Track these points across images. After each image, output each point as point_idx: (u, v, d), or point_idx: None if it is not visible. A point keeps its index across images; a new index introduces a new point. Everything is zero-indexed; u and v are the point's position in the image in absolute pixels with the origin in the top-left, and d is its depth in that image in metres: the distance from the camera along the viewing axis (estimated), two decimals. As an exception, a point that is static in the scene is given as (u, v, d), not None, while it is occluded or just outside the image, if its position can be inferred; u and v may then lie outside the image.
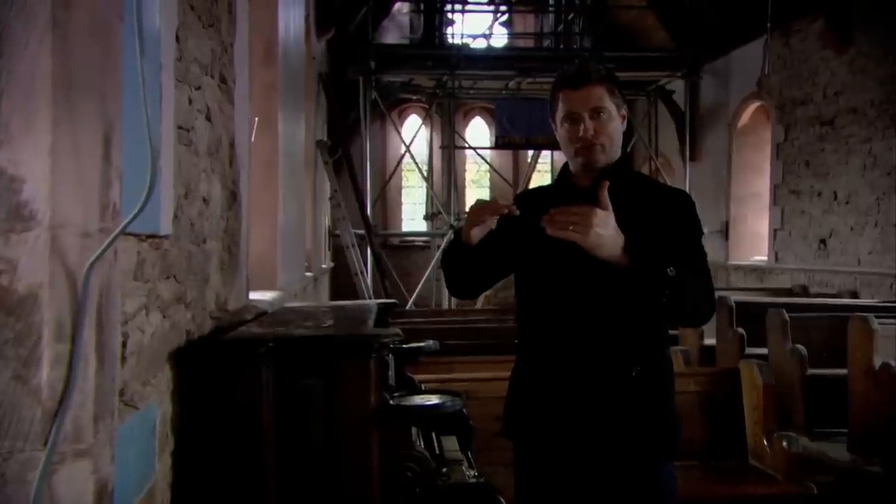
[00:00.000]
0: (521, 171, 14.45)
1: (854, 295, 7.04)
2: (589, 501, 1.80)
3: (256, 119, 3.60)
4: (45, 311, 1.05)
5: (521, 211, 1.83)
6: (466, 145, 13.40)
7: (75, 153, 1.10)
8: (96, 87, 1.15)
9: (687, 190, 11.19)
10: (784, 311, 4.66)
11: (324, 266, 8.81)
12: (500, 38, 14.48)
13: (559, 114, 1.84)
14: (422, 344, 2.71)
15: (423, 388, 2.56)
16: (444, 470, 2.06)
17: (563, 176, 1.93)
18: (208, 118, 2.24)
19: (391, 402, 2.03)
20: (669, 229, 1.75)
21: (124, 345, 1.47)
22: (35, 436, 1.04)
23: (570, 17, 12.78)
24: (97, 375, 1.14)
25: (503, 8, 14.06)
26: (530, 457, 1.87)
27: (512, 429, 1.90)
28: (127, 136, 1.26)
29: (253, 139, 3.32)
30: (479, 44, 12.94)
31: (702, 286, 1.72)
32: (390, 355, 2.19)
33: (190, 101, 2.02)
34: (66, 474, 1.07)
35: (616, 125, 1.82)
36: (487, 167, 14.24)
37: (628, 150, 12.66)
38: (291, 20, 4.92)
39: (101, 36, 1.15)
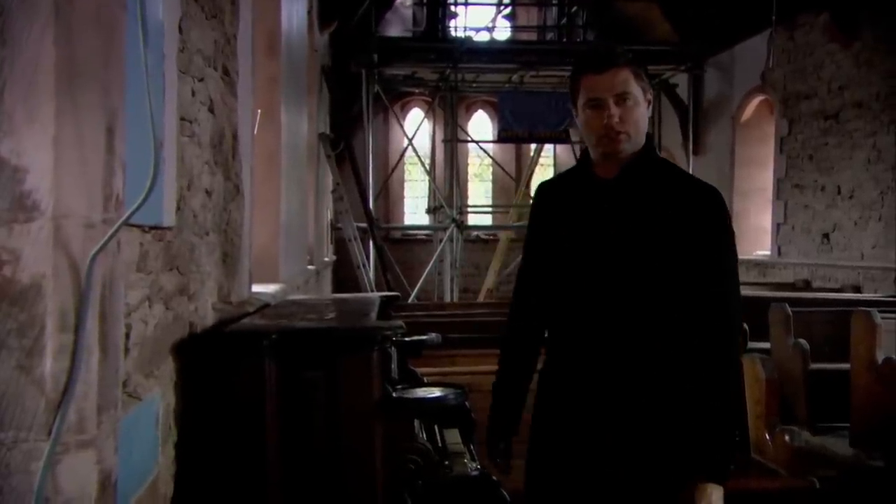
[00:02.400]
0: (523, 165, 14.42)
1: (857, 289, 7.04)
2: None
3: (259, 111, 3.60)
4: (49, 301, 1.05)
5: (546, 203, 1.83)
6: (469, 139, 13.38)
7: (78, 143, 1.09)
8: (99, 77, 1.14)
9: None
10: (787, 305, 4.65)
11: (326, 259, 8.81)
12: (503, 31, 14.43)
13: (581, 99, 1.71)
14: (424, 337, 2.70)
15: (425, 380, 2.57)
16: (447, 463, 2.06)
17: (583, 165, 1.81)
18: (211, 110, 2.24)
19: (394, 394, 2.03)
20: (696, 236, 1.65)
21: (127, 336, 1.47)
22: (39, 426, 1.04)
23: (573, 10, 12.74)
24: (101, 366, 1.13)
25: (506, 1, 14.01)
26: (552, 454, 1.78)
27: (539, 437, 1.82)
28: (130, 127, 1.26)
29: (255, 132, 3.32)
30: (482, 37, 12.91)
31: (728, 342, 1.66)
32: (393, 348, 2.19)
33: (193, 93, 2.02)
34: (69, 465, 1.07)
35: (642, 111, 1.71)
36: (490, 161, 14.22)
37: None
38: (294, 12, 4.90)
39: (105, 26, 1.15)
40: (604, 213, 1.72)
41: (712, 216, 1.69)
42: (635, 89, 1.69)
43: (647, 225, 1.66)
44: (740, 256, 10.42)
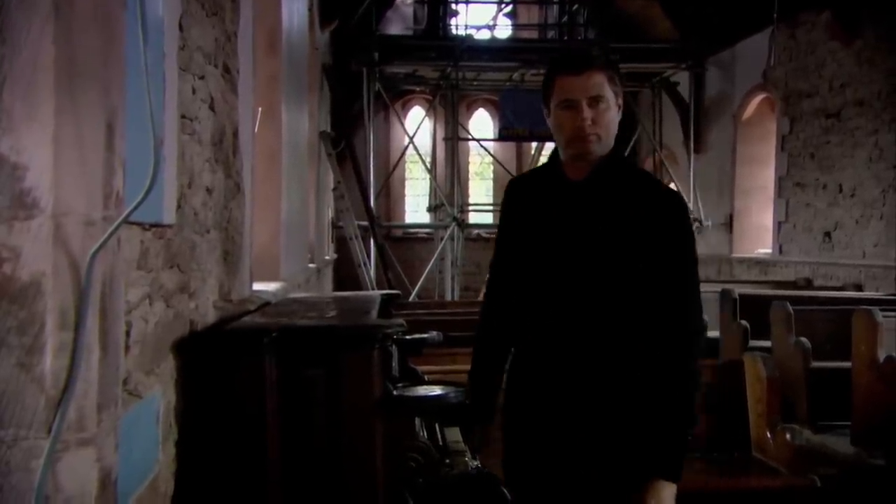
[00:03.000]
0: (524, 163, 14.40)
1: (858, 288, 7.02)
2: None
3: (260, 109, 3.59)
4: (49, 299, 1.05)
5: (516, 200, 1.86)
6: (470, 137, 13.36)
7: (78, 141, 1.09)
8: (99, 75, 1.14)
9: (691, 182, 11.20)
10: (788, 303, 4.65)
11: (327, 257, 8.81)
12: (504, 30, 14.41)
13: (554, 99, 1.73)
14: (425, 335, 2.70)
15: (426, 379, 2.56)
16: (448, 461, 2.06)
17: (552, 165, 1.84)
18: (212, 108, 2.23)
19: (395, 392, 2.03)
20: (658, 240, 1.70)
21: (128, 334, 1.47)
22: (39, 424, 1.04)
23: (574, 8, 12.72)
24: (101, 364, 1.13)
25: (507, -1, 14.00)
26: (521, 453, 1.83)
27: (509, 428, 1.86)
28: (130, 124, 1.26)
29: (256, 130, 3.31)
30: (483, 35, 12.89)
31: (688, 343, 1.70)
32: (394, 346, 2.19)
33: (193, 91, 2.02)
34: (69, 463, 1.07)
35: (613, 115, 1.74)
36: (491, 159, 14.20)
37: (632, 142, 12.62)
38: (295, 10, 4.90)
39: (104, 24, 1.15)
40: (571, 215, 1.75)
41: (674, 221, 1.73)
42: (609, 93, 1.72)
43: (612, 228, 1.71)
44: (742, 255, 10.35)
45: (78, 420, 1.09)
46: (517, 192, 1.90)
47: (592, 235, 1.71)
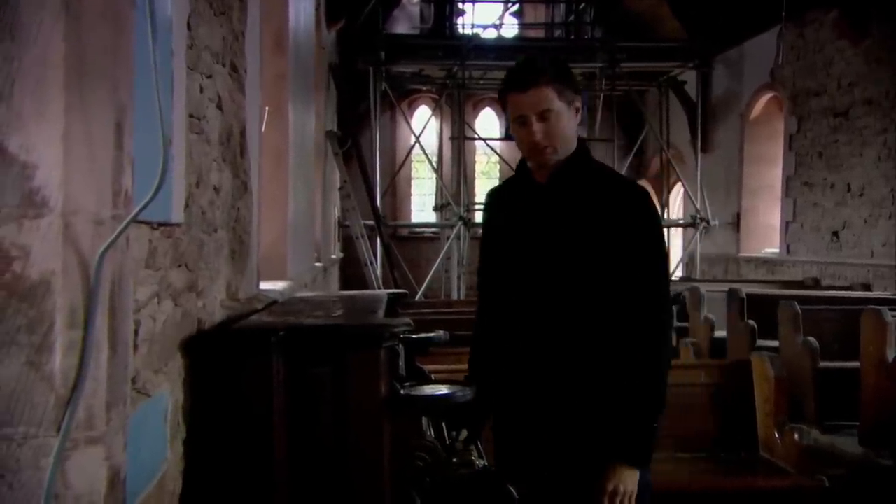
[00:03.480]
0: (530, 163, 14.37)
1: (867, 287, 6.99)
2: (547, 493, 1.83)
3: (267, 109, 3.60)
4: (58, 298, 1.05)
5: (493, 207, 1.98)
6: (476, 136, 13.36)
7: (87, 139, 1.09)
8: (108, 73, 1.14)
9: (698, 181, 11.16)
10: (795, 303, 4.63)
11: (333, 256, 8.82)
12: (510, 29, 14.40)
13: (509, 115, 1.82)
14: (432, 335, 2.70)
15: (432, 378, 2.56)
16: (455, 460, 2.06)
17: (521, 170, 1.91)
18: (219, 107, 2.23)
19: (401, 392, 2.03)
20: (619, 235, 1.72)
21: (136, 333, 1.47)
22: (48, 422, 1.04)
23: (581, 7, 12.69)
24: (110, 363, 1.14)
25: (514, -2, 13.99)
26: (504, 446, 1.95)
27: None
28: (138, 123, 1.26)
29: (263, 129, 3.32)
30: (490, 34, 12.88)
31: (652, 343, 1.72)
32: (401, 345, 2.19)
33: (201, 90, 2.02)
34: (78, 461, 1.08)
35: (566, 122, 1.77)
36: (497, 158, 14.19)
37: (639, 141, 12.59)
38: (302, 10, 4.90)
39: (114, 21, 1.15)
40: (536, 216, 1.82)
41: (633, 215, 1.75)
42: (557, 104, 1.74)
43: (573, 226, 1.76)
44: (749, 254, 10.30)
45: (87, 418, 1.09)
46: (494, 199, 2.01)
47: (555, 235, 1.78)
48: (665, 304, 1.77)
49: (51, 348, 1.04)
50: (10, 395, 1.02)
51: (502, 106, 1.85)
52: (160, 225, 1.63)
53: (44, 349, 1.04)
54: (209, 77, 2.10)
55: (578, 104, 1.81)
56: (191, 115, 1.91)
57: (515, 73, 1.78)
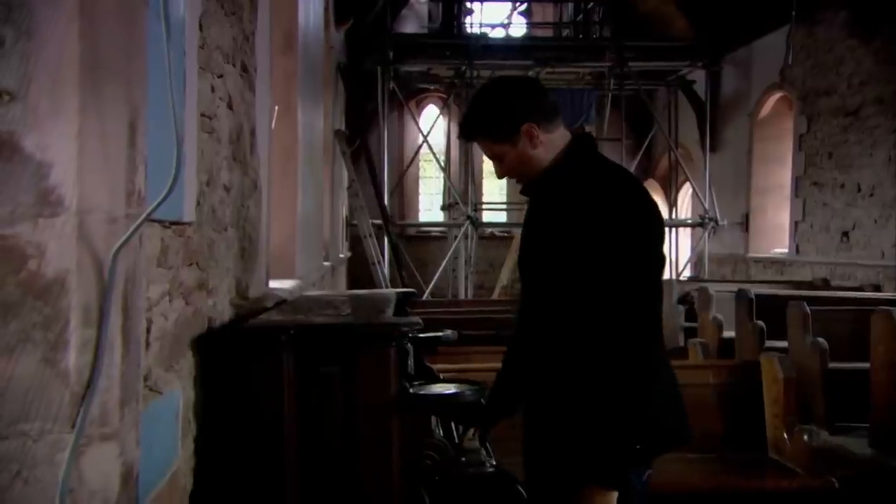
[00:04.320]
0: (538, 162, 14.33)
1: (877, 288, 6.95)
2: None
3: (276, 108, 3.61)
4: (73, 296, 1.06)
5: None
6: (484, 135, 13.32)
7: (102, 138, 1.10)
8: (122, 72, 1.15)
9: (707, 181, 11.11)
10: (805, 304, 4.60)
11: (341, 255, 8.83)
12: (518, 28, 14.39)
13: None
14: (440, 333, 2.70)
15: (441, 377, 2.56)
16: (463, 459, 2.06)
17: None
18: (230, 106, 2.25)
19: (411, 390, 2.04)
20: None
21: (148, 331, 1.48)
22: (63, 418, 1.05)
23: (589, 6, 12.66)
24: (123, 360, 1.14)
25: (522, -3, 13.97)
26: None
27: None
28: (151, 122, 1.27)
29: (272, 128, 3.33)
30: (498, 33, 12.87)
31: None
32: (409, 344, 2.20)
33: (212, 89, 2.03)
34: (92, 457, 1.08)
35: (513, 156, 1.76)
36: (505, 158, 14.15)
37: (647, 141, 12.55)
38: (311, 9, 4.91)
39: (128, 21, 1.16)
40: (527, 216, 1.88)
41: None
42: (495, 149, 1.79)
43: (529, 235, 1.81)
44: (758, 254, 10.17)
45: (101, 415, 1.10)
46: None
47: (529, 237, 1.83)
48: (626, 320, 1.61)
49: (66, 345, 1.05)
50: (27, 392, 1.03)
51: None
52: (172, 224, 1.64)
53: (59, 346, 1.05)
54: (220, 76, 2.12)
55: (527, 131, 1.73)
56: (202, 115, 1.92)
57: (459, 127, 1.91)
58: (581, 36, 12.46)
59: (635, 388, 1.60)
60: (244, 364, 1.94)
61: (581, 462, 1.62)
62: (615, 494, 1.63)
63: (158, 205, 1.19)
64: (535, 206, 1.81)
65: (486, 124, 1.78)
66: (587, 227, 1.63)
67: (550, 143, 1.76)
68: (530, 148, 1.75)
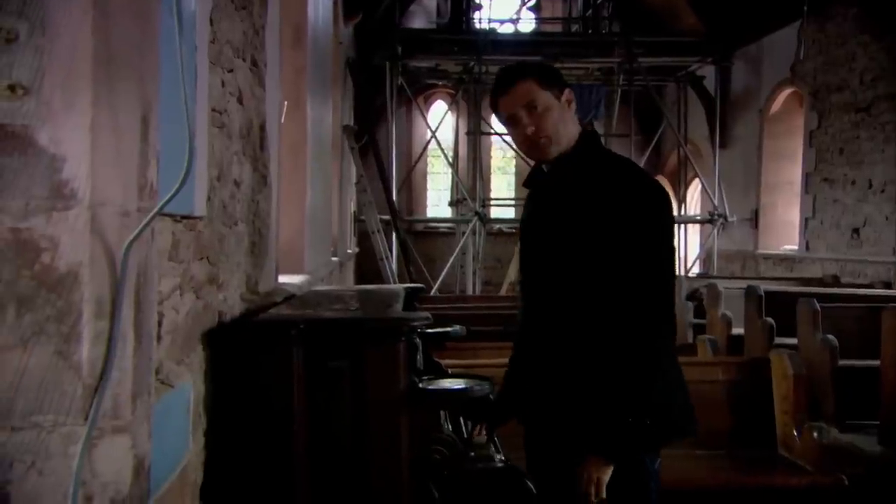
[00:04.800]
0: (547, 158, 14.30)
1: (887, 285, 6.91)
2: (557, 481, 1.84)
3: (286, 103, 3.61)
4: (86, 289, 1.07)
5: (526, 203, 1.99)
6: (492, 131, 13.32)
7: (114, 132, 1.11)
8: (135, 67, 1.15)
9: (716, 177, 11.07)
10: (815, 300, 4.59)
11: (349, 251, 8.85)
12: (527, 23, 14.35)
13: (500, 118, 1.85)
14: (448, 329, 2.71)
15: (449, 372, 2.57)
16: (472, 454, 2.06)
17: (536, 164, 1.93)
18: (240, 101, 2.25)
19: (420, 385, 2.04)
20: (613, 225, 1.69)
21: (160, 324, 1.49)
22: (76, 411, 1.06)
23: (598, 2, 12.61)
24: (135, 353, 1.15)
25: (531, -8, 13.93)
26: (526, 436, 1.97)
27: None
28: (162, 116, 1.27)
29: (282, 123, 3.33)
30: (507, 29, 12.84)
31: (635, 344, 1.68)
32: (418, 339, 2.20)
33: (223, 84, 2.03)
34: (105, 449, 1.09)
35: (556, 113, 1.77)
36: (513, 153, 14.17)
37: (656, 136, 12.51)
38: (320, 4, 4.91)
39: (141, 16, 1.16)
40: (539, 207, 1.86)
41: (630, 205, 1.71)
42: (542, 95, 1.77)
43: (569, 214, 1.76)
44: (767, 251, 10.16)
45: (113, 408, 1.10)
46: (527, 197, 2.04)
47: (552, 225, 1.79)
48: (658, 298, 1.69)
49: (79, 338, 1.06)
50: (40, 384, 1.04)
51: (498, 118, 1.89)
52: (183, 218, 1.65)
53: (72, 339, 1.06)
54: (230, 71, 2.12)
55: (569, 97, 1.81)
56: (213, 109, 1.92)
57: (498, 78, 1.84)
58: (590, 31, 12.42)
59: (652, 366, 1.68)
60: (254, 358, 1.94)
61: (590, 432, 1.69)
62: (610, 470, 1.69)
63: (170, 199, 1.20)
64: (568, 189, 1.77)
65: (539, 68, 1.81)
66: (646, 214, 1.70)
67: (574, 124, 1.81)
68: (567, 115, 1.79)
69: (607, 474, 1.69)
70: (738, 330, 5.38)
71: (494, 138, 13.84)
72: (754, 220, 10.71)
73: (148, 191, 1.21)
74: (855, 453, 3.71)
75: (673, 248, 1.79)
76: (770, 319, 4.98)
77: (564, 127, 1.79)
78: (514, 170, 15.24)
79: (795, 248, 9.84)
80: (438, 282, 10.76)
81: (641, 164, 11.32)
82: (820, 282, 7.28)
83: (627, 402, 1.66)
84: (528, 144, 1.80)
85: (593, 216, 1.71)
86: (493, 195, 14.01)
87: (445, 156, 12.43)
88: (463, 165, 12.72)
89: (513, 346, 2.03)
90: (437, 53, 11.17)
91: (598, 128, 10.99)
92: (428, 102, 14.61)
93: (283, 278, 3.16)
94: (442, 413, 2.18)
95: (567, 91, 1.81)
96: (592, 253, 1.71)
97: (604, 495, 1.69)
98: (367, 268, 10.28)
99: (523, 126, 1.77)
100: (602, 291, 1.70)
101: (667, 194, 1.78)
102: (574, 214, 1.74)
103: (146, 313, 1.22)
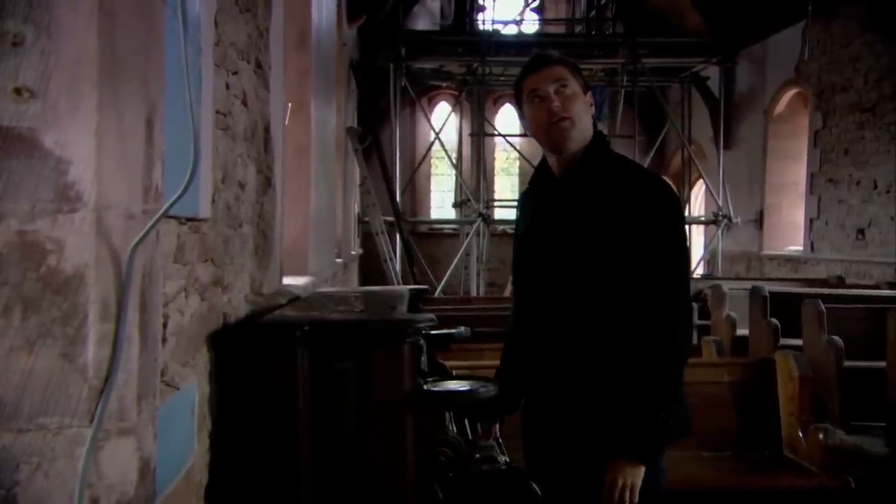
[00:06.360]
0: (550, 159, 14.30)
1: (893, 286, 6.87)
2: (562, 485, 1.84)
3: (290, 104, 3.62)
4: (91, 291, 1.07)
5: (522, 205, 2.00)
6: (496, 133, 13.33)
7: (120, 135, 1.11)
8: (140, 69, 1.16)
9: (720, 178, 11.05)
10: (820, 301, 4.57)
11: (353, 252, 8.86)
12: (531, 25, 14.35)
13: (525, 97, 1.82)
14: (453, 330, 2.71)
15: (453, 374, 2.57)
16: (477, 455, 2.06)
17: (542, 166, 1.92)
18: (244, 103, 2.25)
19: (424, 387, 2.04)
20: (633, 228, 1.69)
21: (165, 326, 1.49)
22: (82, 413, 1.06)
23: (602, 3, 12.61)
24: (140, 355, 1.15)
25: (534, -7, 13.93)
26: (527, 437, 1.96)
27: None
28: (167, 119, 1.27)
29: (286, 125, 3.34)
30: (510, 30, 12.85)
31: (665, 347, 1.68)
32: (423, 341, 2.20)
33: (227, 86, 2.04)
34: (111, 451, 1.09)
35: (582, 105, 1.79)
36: (517, 155, 14.16)
37: (660, 137, 12.50)
38: (324, 6, 4.92)
39: (145, 18, 1.16)
40: (551, 211, 1.84)
41: (650, 206, 1.72)
42: (573, 80, 1.79)
43: (587, 218, 1.75)
44: (772, 252, 10.16)
45: (119, 409, 1.10)
46: (523, 199, 2.03)
47: (568, 228, 1.77)
48: (680, 298, 1.72)
49: (84, 340, 1.06)
50: (46, 386, 1.04)
51: (517, 100, 1.87)
52: (188, 220, 1.65)
53: (77, 341, 1.06)
54: (235, 73, 2.12)
55: (591, 100, 1.83)
56: (217, 112, 1.93)
57: (532, 59, 1.84)
58: (594, 32, 12.41)
59: (676, 365, 1.70)
60: (259, 359, 1.95)
61: (614, 435, 1.67)
62: (642, 472, 1.67)
63: (176, 201, 1.20)
64: (583, 194, 1.77)
65: (572, 62, 1.84)
66: (666, 216, 1.72)
67: (591, 124, 1.83)
68: (588, 112, 1.81)
69: (640, 477, 1.67)
70: (742, 331, 5.37)
71: (498, 140, 13.84)
72: (759, 220, 10.69)
73: (153, 193, 1.21)
74: (861, 455, 3.70)
75: (688, 250, 1.83)
76: (775, 320, 4.96)
77: (586, 118, 1.80)
78: (517, 171, 15.24)
79: (800, 248, 9.81)
80: (442, 283, 10.76)
81: (645, 165, 11.30)
82: (825, 283, 7.26)
83: (656, 401, 1.66)
84: (548, 123, 1.76)
85: (612, 219, 1.72)
86: (496, 196, 14.00)
87: (449, 157, 12.44)
88: (466, 167, 12.72)
89: (506, 346, 2.05)
90: (440, 55, 11.17)
91: (602, 129, 10.92)
92: (431, 104, 14.62)
93: (287, 280, 3.16)
94: (447, 415, 2.18)
95: (590, 94, 1.84)
96: (612, 255, 1.71)
97: (636, 500, 1.66)
98: (371, 269, 10.29)
99: (550, 101, 1.76)
100: (622, 293, 1.70)
101: (678, 197, 1.82)
102: (592, 218, 1.74)
103: (151, 315, 1.23)
